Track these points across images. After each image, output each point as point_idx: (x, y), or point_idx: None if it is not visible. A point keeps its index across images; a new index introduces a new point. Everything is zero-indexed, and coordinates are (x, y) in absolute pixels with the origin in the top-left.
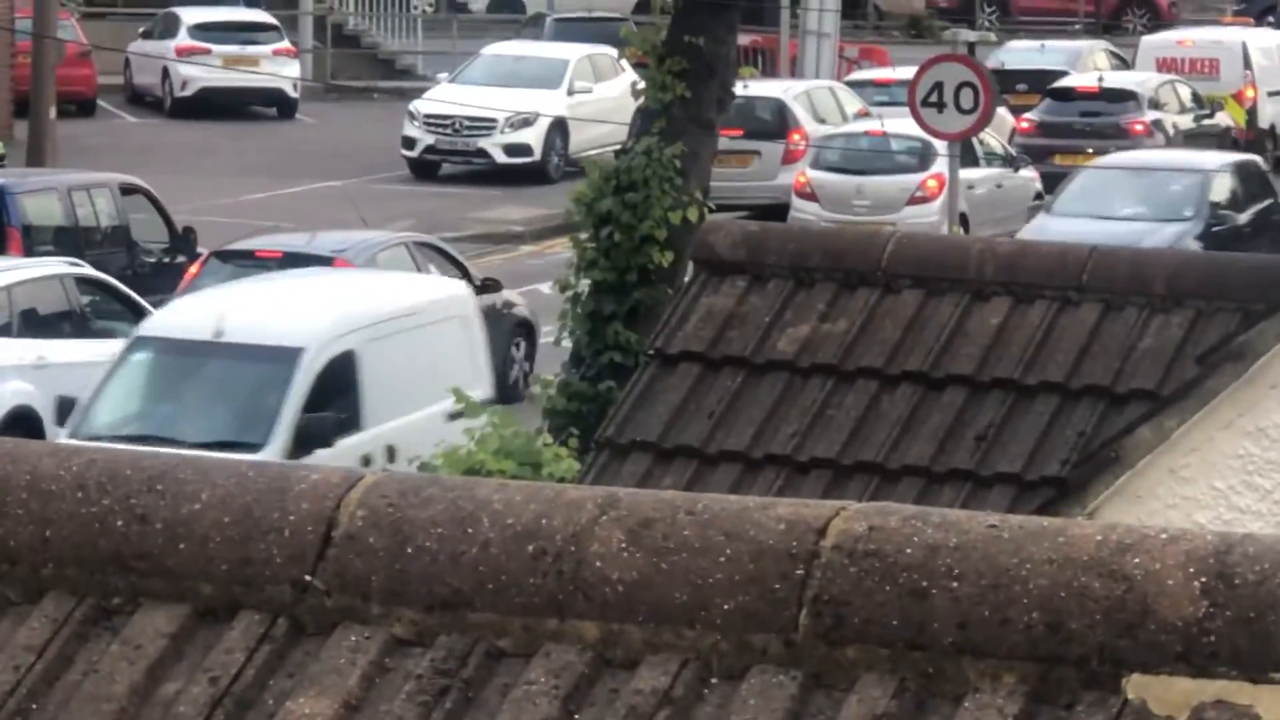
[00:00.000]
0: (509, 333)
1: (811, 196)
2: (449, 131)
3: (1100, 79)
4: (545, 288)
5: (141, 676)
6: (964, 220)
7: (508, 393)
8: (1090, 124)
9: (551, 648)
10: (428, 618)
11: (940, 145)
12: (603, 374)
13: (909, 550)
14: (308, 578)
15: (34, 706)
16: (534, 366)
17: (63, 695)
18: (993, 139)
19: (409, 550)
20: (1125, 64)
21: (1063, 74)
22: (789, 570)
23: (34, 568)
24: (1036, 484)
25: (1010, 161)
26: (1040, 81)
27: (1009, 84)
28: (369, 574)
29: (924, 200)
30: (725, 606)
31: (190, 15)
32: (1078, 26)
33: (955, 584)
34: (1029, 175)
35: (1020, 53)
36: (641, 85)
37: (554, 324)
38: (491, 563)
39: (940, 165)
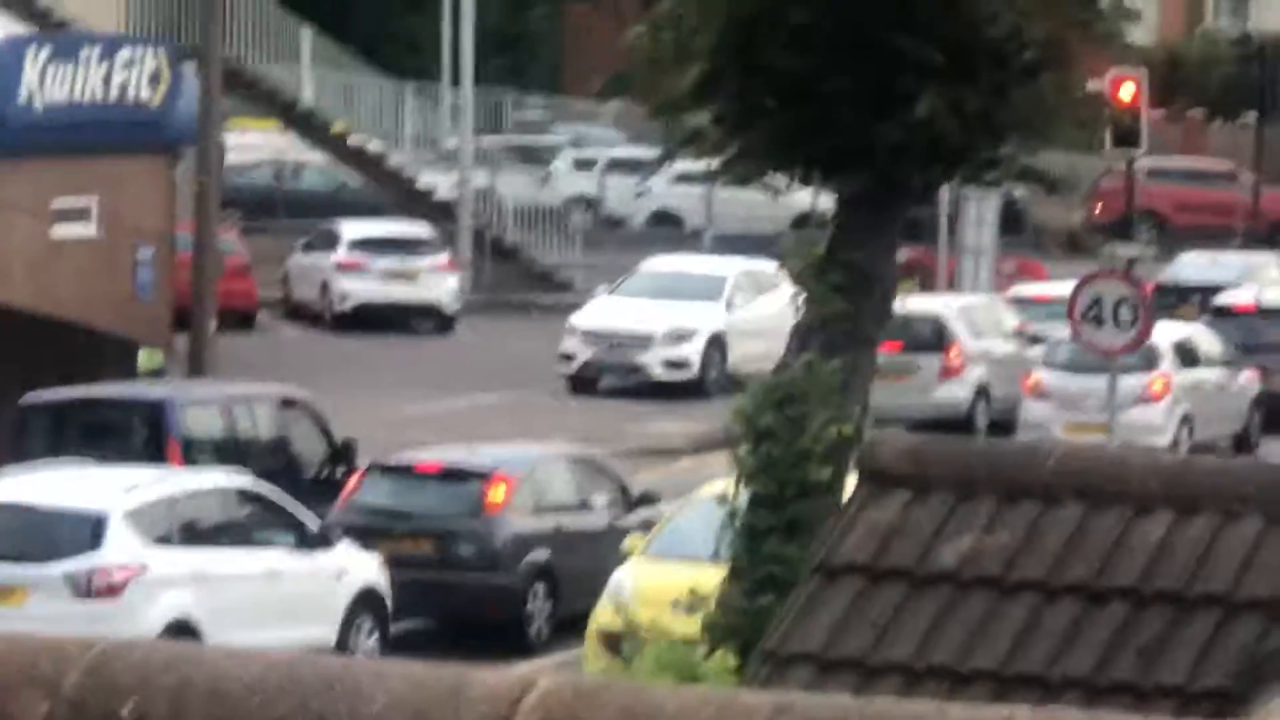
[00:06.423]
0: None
1: (1043, 396)
2: (607, 346)
3: (1257, 298)
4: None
5: None
6: (1187, 419)
7: None
8: (1249, 342)
9: None
10: None
11: (1163, 346)
12: (761, 588)
13: None
14: None
15: None
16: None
17: None
18: (1214, 342)
19: None
20: None
21: (1236, 287)
22: None
23: None
24: (1199, 697)
25: (1230, 364)
26: (1214, 295)
27: (1183, 297)
28: None
29: (1150, 400)
30: None
31: (350, 229)
32: (1238, 240)
33: None
34: (1248, 376)
35: (1193, 266)
36: (801, 299)
37: None
38: None
39: (1166, 365)
